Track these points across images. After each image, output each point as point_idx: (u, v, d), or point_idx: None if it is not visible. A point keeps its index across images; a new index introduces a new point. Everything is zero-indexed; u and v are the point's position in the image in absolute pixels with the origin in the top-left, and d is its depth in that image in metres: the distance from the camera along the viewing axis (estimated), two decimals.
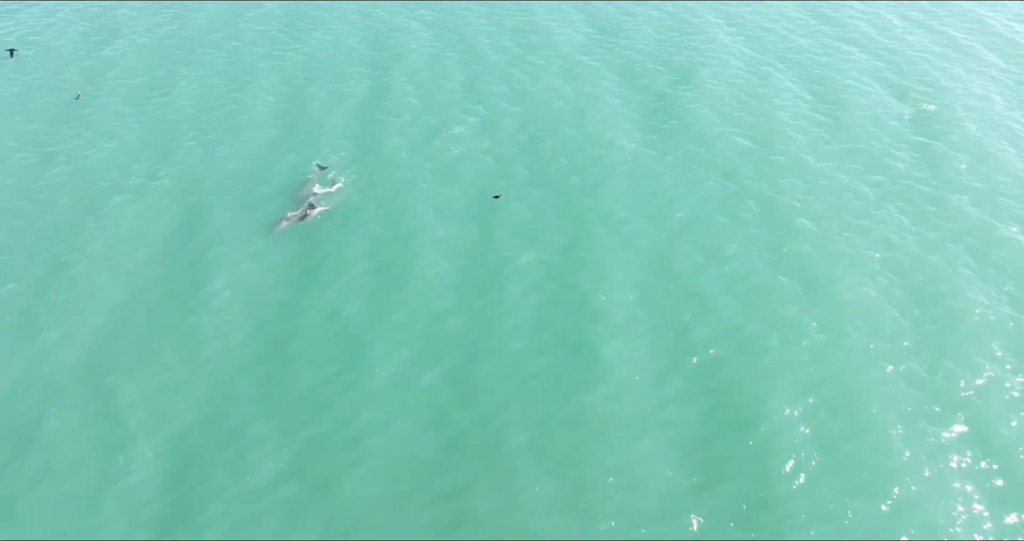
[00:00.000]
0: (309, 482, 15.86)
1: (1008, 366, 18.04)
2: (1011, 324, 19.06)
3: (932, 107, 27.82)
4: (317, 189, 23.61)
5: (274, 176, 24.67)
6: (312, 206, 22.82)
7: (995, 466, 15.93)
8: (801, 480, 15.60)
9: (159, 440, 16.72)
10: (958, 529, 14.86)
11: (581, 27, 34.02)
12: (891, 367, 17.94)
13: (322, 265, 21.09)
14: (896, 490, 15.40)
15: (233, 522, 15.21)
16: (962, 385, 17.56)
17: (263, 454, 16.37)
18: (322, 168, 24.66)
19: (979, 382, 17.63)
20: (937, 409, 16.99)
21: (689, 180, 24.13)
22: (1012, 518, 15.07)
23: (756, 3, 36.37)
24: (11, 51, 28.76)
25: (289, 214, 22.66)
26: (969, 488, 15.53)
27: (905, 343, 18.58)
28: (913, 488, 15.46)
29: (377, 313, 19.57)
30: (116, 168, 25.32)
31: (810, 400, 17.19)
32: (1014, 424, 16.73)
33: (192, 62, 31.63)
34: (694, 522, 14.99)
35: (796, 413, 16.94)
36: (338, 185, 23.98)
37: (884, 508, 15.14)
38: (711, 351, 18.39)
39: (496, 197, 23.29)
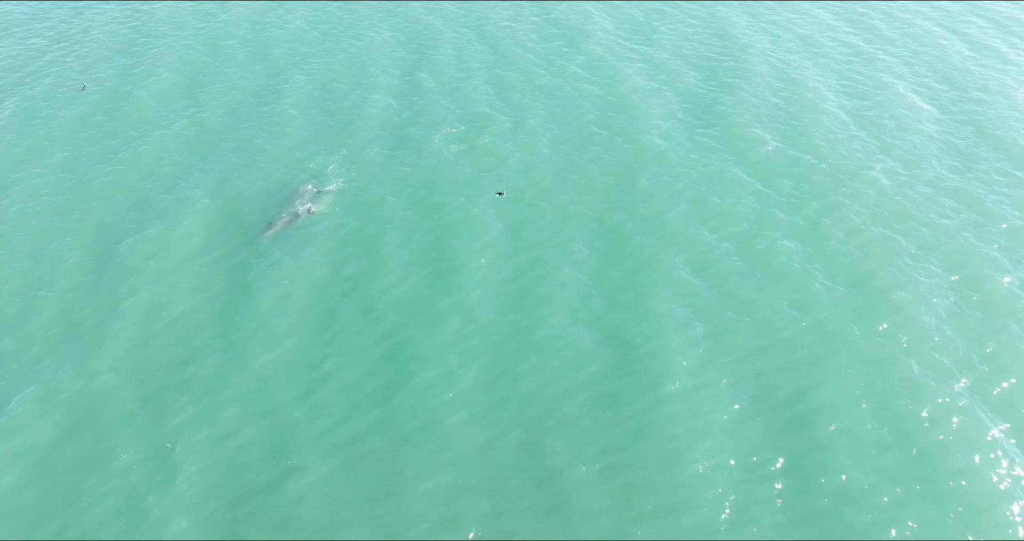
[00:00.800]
0: (352, 481, 15.99)
1: None
2: None
3: (955, 107, 27.49)
4: (311, 188, 23.64)
5: (286, 176, 24.97)
6: (297, 212, 22.54)
7: None
8: (862, 483, 15.53)
9: (204, 437, 16.97)
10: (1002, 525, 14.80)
11: (606, 26, 34.05)
12: (939, 365, 17.86)
13: (339, 266, 21.21)
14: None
15: (276, 520, 15.38)
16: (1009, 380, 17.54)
17: (305, 453, 16.54)
18: (315, 168, 24.67)
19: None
20: (988, 411, 16.83)
21: (719, 179, 24.06)
22: None
23: (778, 3, 36.12)
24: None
25: (277, 220, 22.35)
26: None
27: (950, 339, 18.48)
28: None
29: (406, 315, 19.61)
30: (150, 164, 25.87)
31: (860, 398, 17.19)
32: None
33: (215, 57, 32.28)
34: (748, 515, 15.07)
35: (847, 406, 16.95)
36: (332, 187, 23.79)
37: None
38: (753, 348, 18.50)
39: (500, 194, 23.40)
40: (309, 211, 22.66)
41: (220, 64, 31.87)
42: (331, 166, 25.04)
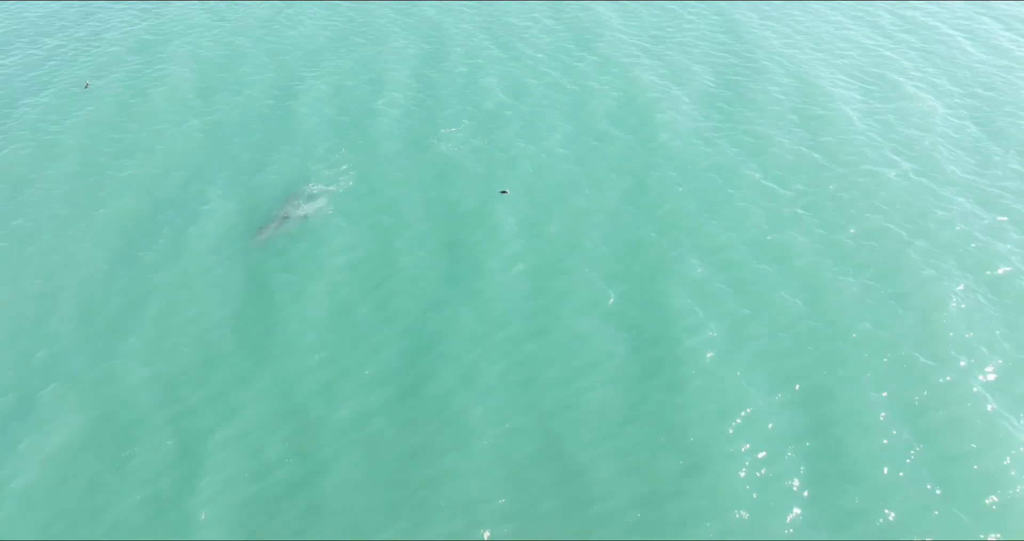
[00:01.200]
0: (363, 469, 16.21)
1: None
2: None
3: (960, 103, 27.74)
4: (311, 188, 23.78)
5: (292, 175, 25.22)
6: (295, 213, 22.56)
7: None
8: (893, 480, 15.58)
9: (221, 429, 17.17)
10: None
11: (614, 24, 34.30)
12: (945, 355, 17.99)
13: (347, 262, 21.40)
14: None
15: (290, 508, 15.59)
16: None
17: (318, 442, 16.75)
18: (318, 168, 24.79)
19: None
20: (995, 402, 16.87)
21: (727, 175, 24.19)
22: None
23: (784, 2, 36.35)
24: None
25: (273, 221, 22.36)
26: None
27: (955, 331, 18.59)
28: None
29: (423, 316, 19.72)
30: (159, 162, 26.13)
31: (870, 388, 17.32)
32: None
33: (224, 56, 32.66)
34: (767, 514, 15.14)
35: (855, 397, 17.08)
36: (333, 187, 23.93)
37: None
38: (762, 339, 18.65)
39: (503, 192, 23.67)
40: (305, 215, 22.72)
41: (229, 63, 32.26)
42: (336, 164, 25.30)
